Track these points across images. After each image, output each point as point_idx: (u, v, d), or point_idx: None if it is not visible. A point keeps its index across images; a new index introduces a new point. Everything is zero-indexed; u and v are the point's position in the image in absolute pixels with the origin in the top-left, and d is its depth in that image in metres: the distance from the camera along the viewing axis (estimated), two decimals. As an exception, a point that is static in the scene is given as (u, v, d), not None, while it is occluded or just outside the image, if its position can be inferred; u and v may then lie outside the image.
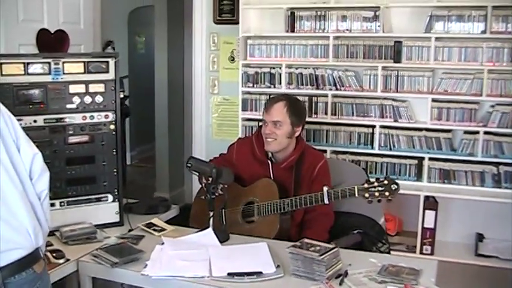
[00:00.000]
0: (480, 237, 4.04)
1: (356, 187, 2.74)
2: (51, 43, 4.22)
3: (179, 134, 6.46)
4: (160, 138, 6.52)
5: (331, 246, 2.44)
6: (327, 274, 2.34)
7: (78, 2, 4.59)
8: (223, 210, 2.98)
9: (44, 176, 2.11)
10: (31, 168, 2.07)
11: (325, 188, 2.80)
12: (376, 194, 2.70)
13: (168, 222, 3.15)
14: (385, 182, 2.71)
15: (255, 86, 4.38)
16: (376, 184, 2.71)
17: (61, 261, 2.52)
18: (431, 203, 3.95)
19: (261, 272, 2.39)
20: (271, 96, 4.06)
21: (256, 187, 3.04)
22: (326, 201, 2.80)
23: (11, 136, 2.03)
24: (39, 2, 4.22)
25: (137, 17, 8.12)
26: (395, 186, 2.70)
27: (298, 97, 4.12)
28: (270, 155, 3.05)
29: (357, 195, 2.74)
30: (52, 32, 4.27)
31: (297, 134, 3.03)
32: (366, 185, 2.73)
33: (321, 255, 2.35)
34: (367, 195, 2.72)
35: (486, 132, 3.91)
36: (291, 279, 2.38)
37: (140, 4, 7.67)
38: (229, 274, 2.38)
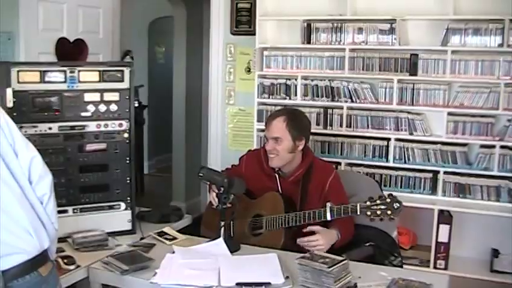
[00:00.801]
0: (496, 253, 3.98)
1: (358, 205, 2.70)
2: (70, 52, 4.30)
3: (196, 144, 6.50)
4: (177, 148, 6.56)
5: (340, 258, 2.42)
6: (336, 286, 2.32)
7: (98, 12, 4.67)
8: (231, 222, 2.98)
9: (45, 179, 2.11)
10: (30, 172, 2.07)
11: (328, 204, 2.77)
12: (378, 212, 2.66)
13: (181, 231, 3.17)
14: (388, 200, 2.66)
15: (270, 97, 4.39)
16: (378, 202, 2.67)
17: (72, 267, 2.54)
18: (445, 217, 3.91)
19: (269, 283, 2.39)
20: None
21: (263, 200, 3.02)
22: (328, 218, 2.77)
23: (7, 140, 2.04)
24: (59, 11, 4.30)
25: (157, 27, 8.22)
26: (398, 205, 2.65)
27: (314, 109, 4.21)
28: (276, 168, 3.04)
29: (359, 212, 2.70)
30: (71, 41, 4.34)
31: (300, 147, 2.99)
32: (368, 203, 2.69)
33: (330, 267, 2.33)
34: (369, 213, 2.68)
35: (502, 147, 3.86)
36: (299, 290, 2.38)
37: (160, 15, 7.75)
38: (237, 284, 2.38)
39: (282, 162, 2.99)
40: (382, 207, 2.66)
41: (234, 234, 2.99)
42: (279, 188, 3.02)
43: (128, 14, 5.30)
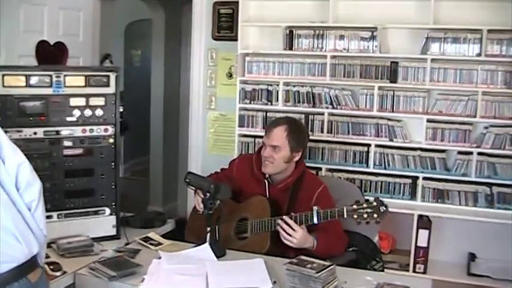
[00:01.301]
0: (472, 257, 4.08)
1: (345, 208, 2.72)
2: (51, 55, 4.26)
3: (174, 148, 6.49)
4: (155, 152, 6.54)
5: (327, 263, 2.45)
6: (323, 291, 2.36)
7: (78, 15, 4.64)
8: (217, 226, 2.99)
9: (33, 186, 2.08)
10: (17, 179, 2.04)
11: (315, 208, 2.78)
12: (365, 215, 2.68)
13: (164, 236, 3.16)
14: (374, 203, 2.69)
15: (252, 102, 4.42)
16: (365, 205, 2.69)
17: (58, 273, 2.51)
18: (424, 222, 3.98)
19: (257, 288, 2.41)
20: (272, 117, 4.24)
21: (250, 204, 3.03)
22: (315, 221, 2.77)
23: None
24: (39, 13, 4.27)
25: (134, 30, 8.17)
26: (384, 208, 2.68)
27: (295, 115, 4.24)
28: (267, 175, 3.05)
29: (345, 216, 2.72)
30: (51, 43, 4.31)
31: (295, 158, 3.00)
32: (354, 206, 2.71)
33: (318, 272, 2.36)
34: (355, 216, 2.70)
35: (480, 153, 3.96)
36: (288, 295, 2.40)
37: (137, 17, 7.72)
38: (225, 289, 2.40)
39: (276, 170, 2.99)
40: (369, 210, 2.68)
41: (220, 238, 2.99)
42: (267, 193, 3.03)
43: (107, 17, 5.27)
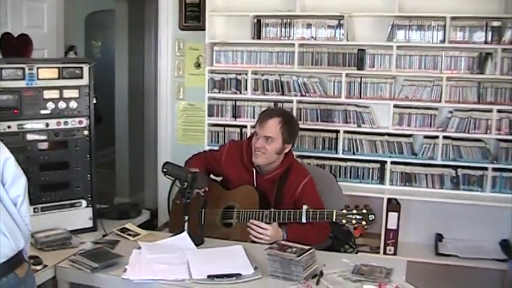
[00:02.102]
0: (440, 237, 4.21)
1: (334, 212, 2.78)
2: (15, 47, 4.17)
3: (139, 139, 6.45)
4: (120, 143, 6.48)
5: (307, 247, 2.51)
6: (304, 274, 2.41)
7: (42, 6, 4.56)
8: (203, 210, 3.00)
9: (19, 182, 2.09)
10: (2, 174, 2.05)
11: (304, 207, 2.83)
12: (353, 221, 2.74)
13: (140, 226, 3.17)
14: (364, 211, 2.75)
15: (221, 92, 4.43)
16: (354, 212, 2.75)
17: (39, 267, 2.50)
18: (393, 205, 4.07)
19: (239, 274, 2.45)
20: (241, 106, 4.34)
21: (238, 193, 3.06)
22: (304, 220, 2.83)
23: None
24: (2, 5, 4.17)
25: (93, 21, 8.04)
26: (373, 217, 2.74)
27: (264, 103, 4.28)
28: (255, 164, 3.07)
29: (334, 219, 2.78)
30: (15, 36, 4.23)
31: (286, 150, 3.04)
32: (344, 211, 2.76)
33: (298, 256, 2.42)
34: (344, 221, 2.76)
35: (445, 137, 4.08)
36: (269, 280, 2.44)
37: (97, 8, 7.61)
38: (209, 276, 2.43)
39: (266, 161, 3.02)
40: (358, 217, 2.74)
41: (205, 223, 3.00)
42: (255, 182, 3.06)
43: (70, 8, 5.19)
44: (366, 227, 2.76)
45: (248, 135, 4.14)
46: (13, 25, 4.24)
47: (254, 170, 3.07)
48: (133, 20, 6.23)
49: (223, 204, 3.09)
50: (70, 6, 5.21)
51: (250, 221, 2.90)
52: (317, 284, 2.40)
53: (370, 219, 2.74)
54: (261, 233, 2.85)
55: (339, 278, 2.47)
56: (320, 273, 2.47)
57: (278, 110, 3.26)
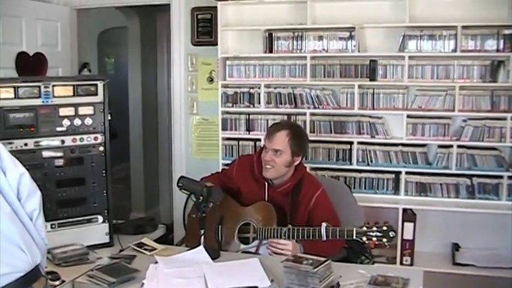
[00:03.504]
0: (456, 247, 4.19)
1: (354, 229, 2.75)
2: (31, 66, 4.26)
3: (154, 154, 6.49)
4: (135, 158, 6.52)
5: (323, 259, 2.50)
6: (321, 286, 2.40)
7: (56, 25, 4.64)
8: (219, 227, 3.02)
9: (34, 196, 2.11)
10: (18, 189, 2.06)
11: (323, 224, 2.81)
12: (374, 238, 2.72)
13: (156, 241, 3.18)
14: (384, 228, 2.72)
15: (234, 106, 4.46)
16: (374, 229, 2.72)
17: (57, 282, 2.53)
18: (409, 215, 4.07)
19: (256, 287, 2.44)
20: (255, 120, 4.36)
21: (255, 209, 3.06)
22: (324, 238, 2.81)
23: None
24: (17, 25, 4.25)
25: (106, 38, 8.14)
26: (394, 234, 2.72)
27: (277, 116, 4.30)
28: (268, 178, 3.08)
29: (354, 237, 2.75)
30: (31, 54, 4.30)
31: (296, 163, 3.04)
32: (364, 228, 2.74)
33: (315, 267, 2.41)
34: (364, 238, 2.73)
35: (459, 146, 4.07)
36: (287, 292, 2.45)
37: (110, 25, 7.70)
38: (225, 290, 2.43)
39: (277, 175, 3.03)
40: (378, 234, 2.71)
41: (222, 239, 3.02)
42: (266, 196, 3.07)
43: (83, 26, 5.26)
44: (386, 244, 2.73)
45: (262, 148, 4.15)
46: (28, 44, 4.31)
47: (266, 183, 3.07)
48: (145, 36, 6.29)
49: (240, 220, 3.08)
50: (83, 25, 5.28)
51: (270, 240, 2.92)
52: (334, 295, 2.40)
53: (391, 236, 2.72)
54: (282, 249, 2.86)
55: (356, 289, 2.47)
56: (337, 285, 2.47)
57: (286, 123, 3.27)
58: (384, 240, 2.72)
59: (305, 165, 4.15)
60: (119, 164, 7.88)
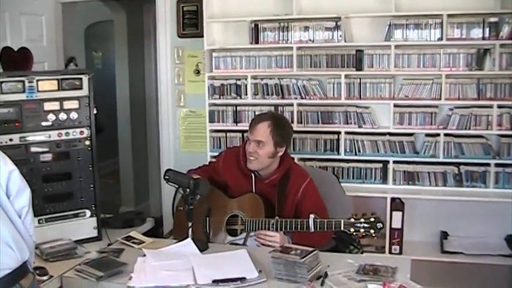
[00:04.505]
0: (445, 235, 4.21)
1: (342, 221, 2.77)
2: (16, 61, 4.20)
3: (143, 148, 6.47)
4: (124, 153, 6.50)
5: (310, 249, 2.52)
6: (309, 276, 2.42)
7: (41, 19, 4.60)
8: (207, 219, 3.02)
9: (24, 193, 2.11)
10: (8, 186, 2.07)
11: (311, 216, 2.83)
12: (361, 230, 2.74)
13: (145, 234, 3.19)
14: (372, 219, 2.74)
15: (221, 97, 4.45)
16: (362, 220, 2.75)
17: (45, 278, 2.53)
18: (397, 204, 4.07)
19: (244, 278, 2.45)
20: (242, 111, 4.36)
21: (243, 201, 3.06)
22: (312, 230, 2.83)
23: None
24: (1, 20, 4.20)
25: (93, 32, 8.09)
26: (381, 225, 2.74)
27: (264, 108, 4.29)
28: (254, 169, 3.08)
29: (342, 228, 2.78)
30: (16, 50, 4.25)
31: (280, 153, 3.04)
32: (352, 220, 2.76)
33: (302, 257, 2.42)
34: (352, 230, 2.76)
35: (446, 134, 4.08)
36: (274, 283, 2.45)
37: (97, 19, 7.65)
38: (214, 281, 2.43)
39: (261, 166, 3.03)
40: (366, 225, 2.74)
41: (210, 231, 3.04)
42: (253, 188, 3.07)
43: (68, 20, 5.21)
44: (374, 235, 2.75)
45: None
46: (13, 39, 4.27)
47: (253, 175, 3.08)
48: (132, 29, 6.26)
49: (228, 212, 3.09)
50: (69, 19, 5.24)
51: (257, 232, 2.93)
52: (322, 285, 2.41)
53: (378, 227, 2.74)
54: (270, 241, 2.88)
55: (344, 279, 2.48)
56: (325, 275, 2.48)
57: (268, 114, 3.25)
58: (372, 231, 2.74)
59: (292, 156, 4.21)
60: (108, 159, 7.86)
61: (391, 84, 4.13)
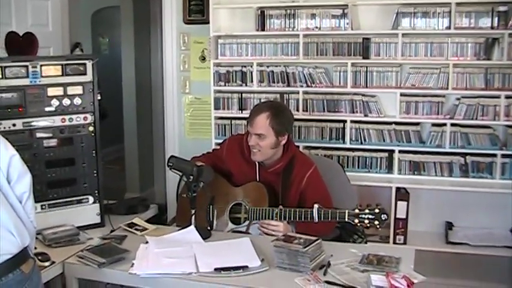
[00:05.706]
0: (450, 226, 4.19)
1: (347, 212, 2.77)
2: (20, 46, 4.17)
3: (148, 134, 6.46)
4: (129, 139, 6.49)
5: (313, 238, 2.51)
6: (312, 265, 2.42)
7: (46, 4, 4.57)
8: (211, 207, 3.02)
9: (24, 178, 2.11)
10: (8, 171, 2.06)
11: (315, 206, 2.83)
12: (366, 221, 2.74)
13: (148, 221, 3.19)
14: (376, 210, 2.74)
15: (226, 84, 4.42)
16: (366, 211, 2.74)
17: (47, 263, 2.54)
18: (402, 194, 4.05)
19: (246, 266, 2.46)
20: (247, 98, 4.33)
21: (247, 189, 3.05)
22: (316, 220, 2.83)
23: None
24: (7, 5, 4.18)
25: (100, 17, 8.07)
26: (385, 217, 2.74)
27: (270, 95, 4.27)
28: None
29: (346, 219, 2.77)
30: (21, 34, 4.24)
31: (282, 142, 3.01)
32: (356, 211, 2.76)
33: (305, 247, 2.42)
34: (356, 221, 2.75)
35: (453, 124, 4.04)
36: (277, 271, 2.45)
37: (104, 5, 7.62)
38: (216, 269, 2.44)
39: (264, 157, 3.01)
40: (370, 216, 2.74)
41: (213, 219, 3.03)
42: (257, 176, 3.06)
43: (75, 6, 5.19)
44: (378, 226, 2.75)
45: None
46: (18, 24, 4.24)
47: (257, 163, 3.06)
48: (138, 15, 6.22)
49: (232, 200, 3.08)
50: (75, 4, 5.21)
51: (261, 221, 2.93)
52: (324, 274, 2.41)
53: (383, 218, 2.74)
54: (273, 230, 2.87)
55: (347, 268, 2.47)
56: (327, 264, 2.48)
57: (265, 104, 3.20)
58: (376, 223, 2.74)
59: (297, 144, 4.20)
60: (114, 145, 7.87)
61: (398, 73, 4.09)
